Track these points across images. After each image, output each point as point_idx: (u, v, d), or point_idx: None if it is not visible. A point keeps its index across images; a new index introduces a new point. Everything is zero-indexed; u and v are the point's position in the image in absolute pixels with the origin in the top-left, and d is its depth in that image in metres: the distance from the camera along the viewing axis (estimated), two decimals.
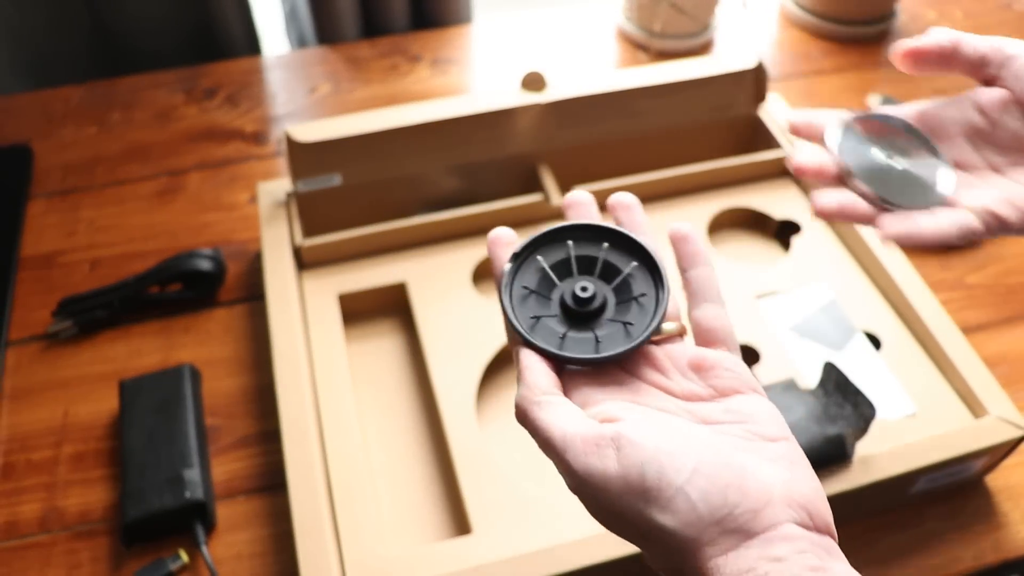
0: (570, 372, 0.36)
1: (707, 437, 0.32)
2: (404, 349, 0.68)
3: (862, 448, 0.55)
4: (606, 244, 0.38)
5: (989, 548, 0.58)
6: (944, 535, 0.59)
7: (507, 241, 0.38)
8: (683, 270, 0.37)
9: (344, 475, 0.56)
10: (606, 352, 0.35)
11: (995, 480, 0.62)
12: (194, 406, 0.62)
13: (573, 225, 0.38)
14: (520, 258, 0.38)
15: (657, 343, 0.36)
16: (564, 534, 0.51)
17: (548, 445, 0.32)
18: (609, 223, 0.39)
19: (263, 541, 0.58)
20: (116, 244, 0.77)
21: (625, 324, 0.36)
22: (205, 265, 0.71)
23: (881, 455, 0.55)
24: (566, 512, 0.53)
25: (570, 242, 0.38)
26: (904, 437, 0.57)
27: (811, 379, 0.61)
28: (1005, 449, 0.58)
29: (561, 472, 0.32)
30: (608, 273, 0.38)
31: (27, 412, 0.65)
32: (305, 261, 0.68)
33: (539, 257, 0.38)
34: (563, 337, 0.36)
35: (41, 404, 0.65)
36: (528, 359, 0.35)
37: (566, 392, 0.35)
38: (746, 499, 0.29)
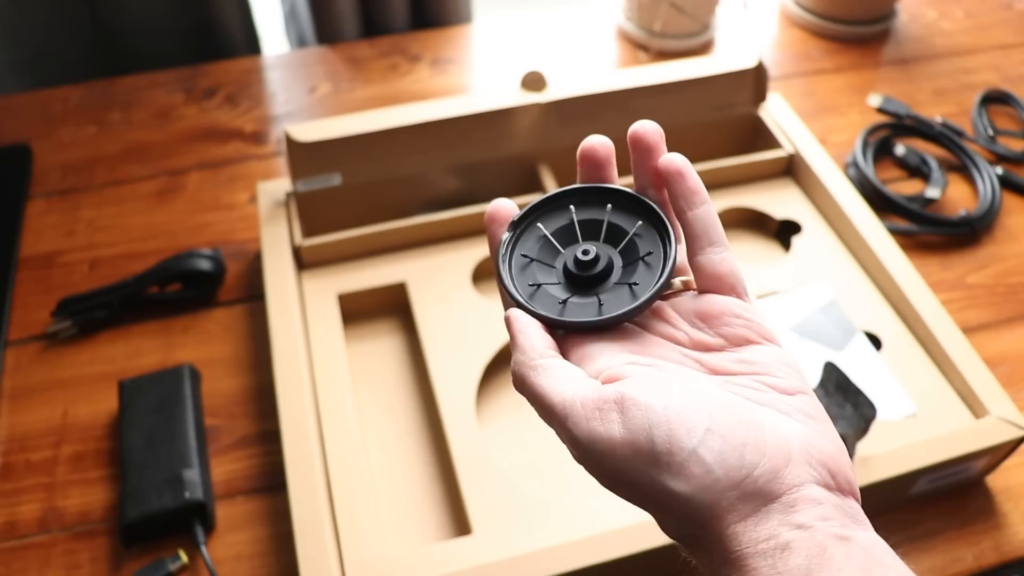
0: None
1: (718, 392, 0.29)
2: (404, 349, 0.67)
3: (863, 448, 0.55)
4: (609, 206, 0.35)
5: (990, 548, 0.58)
6: (945, 535, 0.59)
7: (505, 217, 0.35)
8: (680, 211, 0.33)
9: (344, 475, 0.55)
10: (608, 314, 0.33)
11: (996, 480, 0.62)
12: (194, 406, 0.62)
13: (574, 189, 0.36)
14: (519, 227, 0.36)
15: (664, 299, 0.34)
16: (564, 534, 0.51)
17: (548, 412, 0.30)
18: (610, 184, 0.36)
19: (263, 541, 0.58)
20: (115, 244, 0.77)
21: (631, 285, 0.33)
22: (205, 265, 0.71)
23: (882, 455, 0.55)
24: (566, 512, 0.53)
25: (572, 207, 0.36)
26: (905, 437, 0.57)
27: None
28: (1006, 449, 0.58)
29: (564, 440, 0.30)
30: (614, 236, 0.35)
31: (26, 412, 0.65)
32: (305, 261, 0.68)
33: (540, 224, 0.36)
34: (564, 303, 0.34)
35: (40, 404, 0.65)
36: (520, 322, 0.32)
37: (564, 352, 0.33)
38: (764, 458, 0.27)
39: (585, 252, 0.34)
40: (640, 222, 0.35)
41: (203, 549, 0.56)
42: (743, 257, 0.74)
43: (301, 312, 0.65)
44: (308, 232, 0.70)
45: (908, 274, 0.66)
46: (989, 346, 0.70)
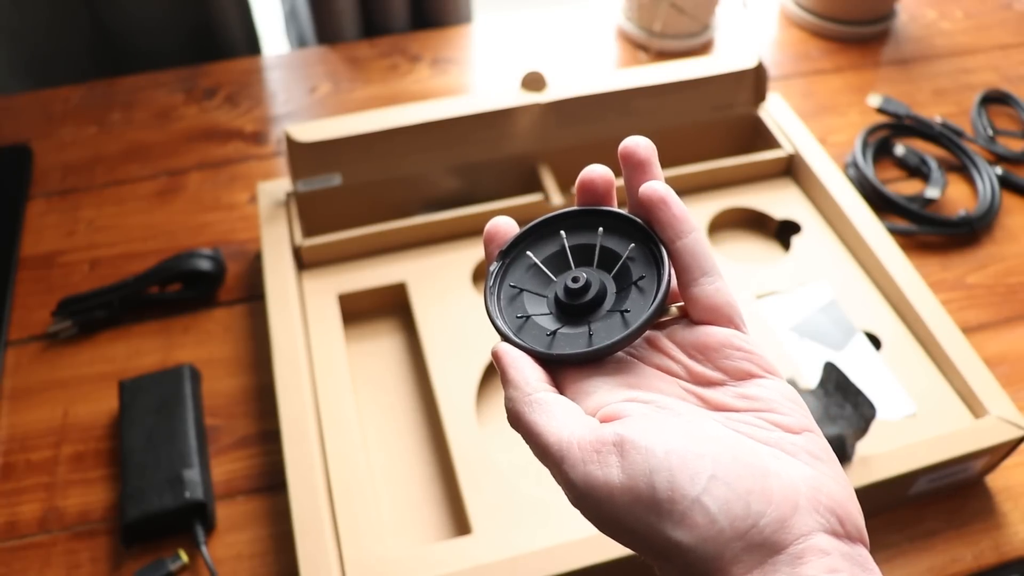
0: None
1: (722, 434, 0.28)
2: (404, 349, 0.68)
3: (862, 448, 0.55)
4: (601, 229, 0.34)
5: (989, 548, 0.58)
6: (944, 535, 0.59)
7: (504, 236, 0.34)
8: (668, 241, 0.32)
9: (344, 475, 0.55)
10: (598, 345, 0.31)
11: (995, 480, 0.62)
12: (194, 406, 0.62)
13: (563, 213, 0.35)
14: (508, 255, 0.34)
15: (660, 327, 0.33)
16: (564, 534, 0.51)
17: (543, 452, 0.29)
18: (603, 205, 0.34)
19: (263, 541, 0.58)
20: (116, 244, 0.77)
21: (623, 313, 0.32)
22: (205, 265, 0.71)
23: (881, 455, 0.55)
24: (566, 512, 0.53)
25: (563, 232, 0.34)
26: (904, 437, 0.57)
27: (811, 379, 0.61)
28: (1005, 449, 0.58)
29: (559, 482, 0.29)
30: (608, 261, 0.34)
31: (27, 412, 0.65)
32: (305, 261, 0.68)
33: (529, 252, 0.34)
34: (552, 334, 0.32)
35: (41, 404, 0.65)
36: (510, 356, 0.31)
37: (559, 386, 0.31)
38: (771, 507, 0.26)
39: (575, 280, 0.33)
40: (633, 244, 0.33)
41: (203, 549, 0.56)
42: (743, 257, 0.74)
43: (301, 312, 0.65)
44: (308, 232, 0.70)
45: (908, 274, 0.66)
46: (989, 346, 0.70)
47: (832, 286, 0.69)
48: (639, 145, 0.32)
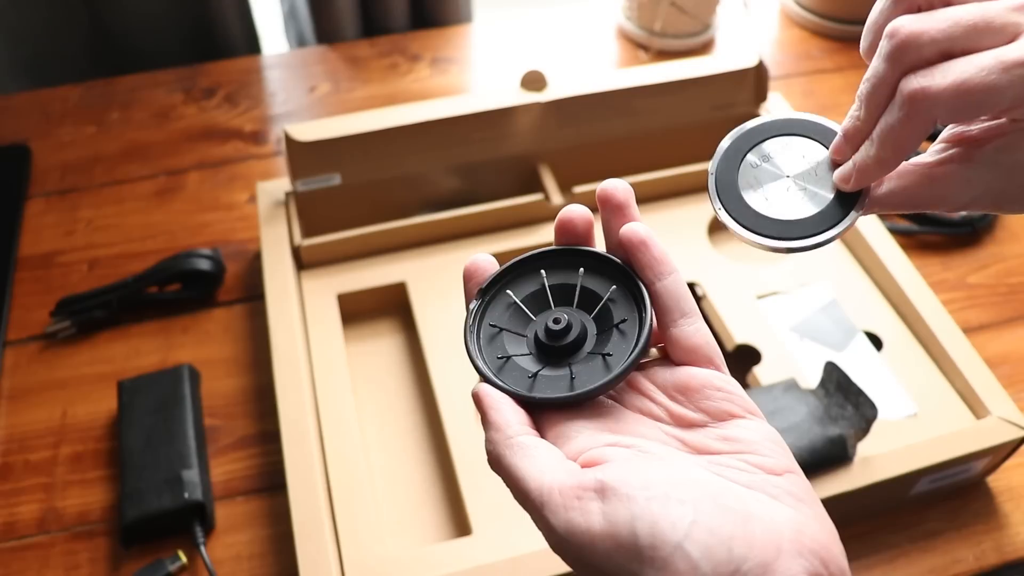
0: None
1: (703, 477, 0.28)
2: (404, 349, 0.67)
3: (863, 449, 0.55)
4: (582, 269, 0.34)
5: (990, 549, 0.58)
6: (945, 536, 0.59)
7: (483, 274, 0.34)
8: (649, 282, 0.32)
9: (344, 475, 0.55)
10: (580, 389, 0.31)
11: (997, 481, 0.62)
12: (193, 406, 0.62)
13: (544, 252, 0.35)
14: (488, 293, 0.34)
15: (640, 369, 0.33)
16: None
17: (524, 497, 0.29)
18: (583, 245, 0.34)
19: (262, 542, 0.58)
20: (115, 244, 0.77)
21: (604, 356, 0.32)
22: (204, 265, 0.71)
23: (882, 456, 0.55)
24: None
25: (543, 271, 0.34)
26: (905, 438, 0.57)
27: (812, 379, 0.61)
28: (1007, 450, 0.58)
29: (539, 528, 0.28)
30: (588, 301, 0.34)
31: (25, 412, 0.65)
32: (304, 261, 0.68)
33: (509, 291, 0.34)
34: (534, 376, 0.32)
35: (39, 404, 0.65)
36: (491, 398, 0.31)
37: (539, 428, 0.31)
38: (753, 551, 0.26)
39: (556, 321, 0.32)
40: (614, 287, 0.33)
41: (202, 549, 0.56)
42: (744, 257, 0.74)
43: (301, 312, 0.65)
44: (308, 232, 0.70)
45: (909, 274, 0.66)
46: (990, 346, 0.70)
47: (833, 286, 0.69)
48: (617, 188, 0.33)
